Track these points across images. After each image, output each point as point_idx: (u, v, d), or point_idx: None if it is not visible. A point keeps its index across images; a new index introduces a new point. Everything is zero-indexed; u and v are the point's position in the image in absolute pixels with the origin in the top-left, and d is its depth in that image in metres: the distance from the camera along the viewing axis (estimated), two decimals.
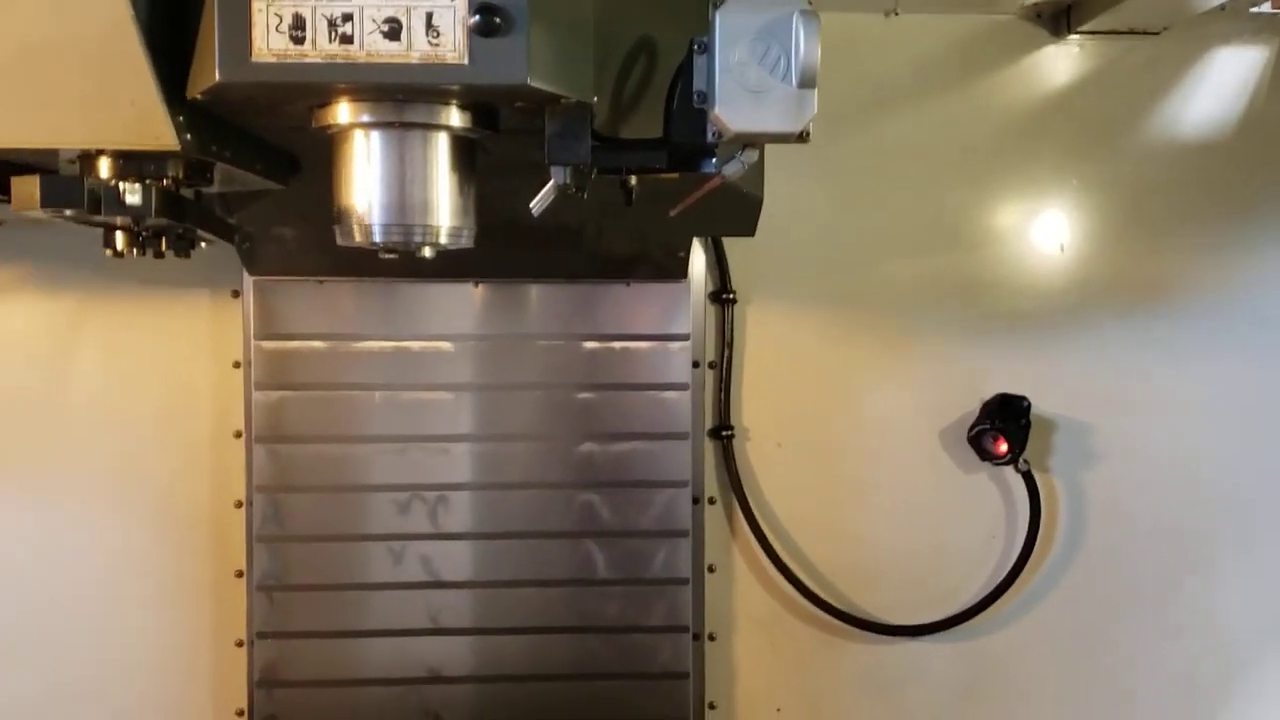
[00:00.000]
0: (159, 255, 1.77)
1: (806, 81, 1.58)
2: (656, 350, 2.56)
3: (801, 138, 1.63)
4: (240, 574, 2.56)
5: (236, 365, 2.55)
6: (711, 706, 2.66)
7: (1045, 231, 2.68)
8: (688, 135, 1.68)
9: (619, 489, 2.57)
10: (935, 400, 2.67)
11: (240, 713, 2.57)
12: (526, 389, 2.56)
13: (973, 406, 2.65)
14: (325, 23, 1.50)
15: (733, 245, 2.63)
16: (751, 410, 2.66)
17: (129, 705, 2.63)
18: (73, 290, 2.56)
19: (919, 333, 2.67)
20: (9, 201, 1.73)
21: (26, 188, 1.60)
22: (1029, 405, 2.62)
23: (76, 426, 2.58)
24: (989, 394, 2.64)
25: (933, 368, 2.67)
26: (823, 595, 2.66)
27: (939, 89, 2.65)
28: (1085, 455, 2.69)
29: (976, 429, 2.60)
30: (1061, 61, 2.66)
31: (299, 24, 1.49)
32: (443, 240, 1.70)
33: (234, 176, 1.89)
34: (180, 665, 2.62)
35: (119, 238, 1.72)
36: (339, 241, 1.70)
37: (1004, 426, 2.59)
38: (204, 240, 1.97)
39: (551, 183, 1.69)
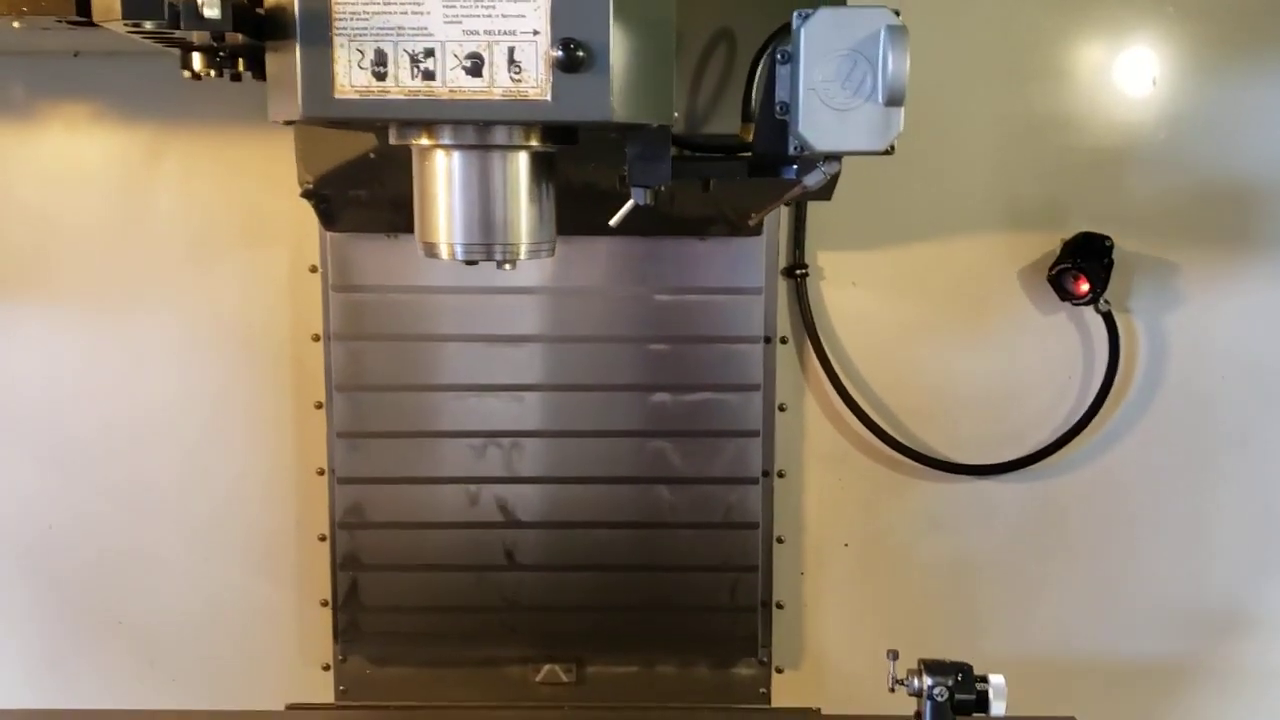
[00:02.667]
0: (236, 77, 1.74)
1: (894, 99, 1.54)
2: (729, 304, 2.52)
3: (888, 152, 1.60)
4: (319, 405, 2.61)
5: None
6: (780, 541, 2.70)
7: (1136, 64, 2.57)
8: (769, 145, 1.65)
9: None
10: (1014, 239, 2.61)
11: (322, 538, 2.65)
12: (598, 341, 2.54)
13: (1053, 246, 2.59)
14: (407, 58, 1.49)
15: None
16: (826, 249, 2.63)
17: (210, 528, 2.72)
18: (149, 123, 2.56)
19: (1002, 169, 2.60)
20: (87, 24, 1.71)
21: (107, 0, 1.58)
22: (1112, 244, 2.56)
23: (155, 259, 2.61)
24: (1071, 233, 2.58)
25: (1012, 206, 2.61)
26: (893, 434, 2.66)
27: None
28: (1168, 296, 2.63)
29: (1057, 268, 2.55)
30: None
31: (381, 60, 1.49)
32: (523, 256, 1.71)
33: None
34: (265, 494, 2.70)
35: (196, 58, 1.70)
36: (421, 253, 1.73)
37: (1086, 265, 2.53)
38: None
39: (631, 202, 1.71)
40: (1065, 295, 2.56)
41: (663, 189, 1.74)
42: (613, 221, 1.77)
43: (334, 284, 2.51)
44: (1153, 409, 2.67)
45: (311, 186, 2.31)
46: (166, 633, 2.76)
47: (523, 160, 1.69)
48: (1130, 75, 2.58)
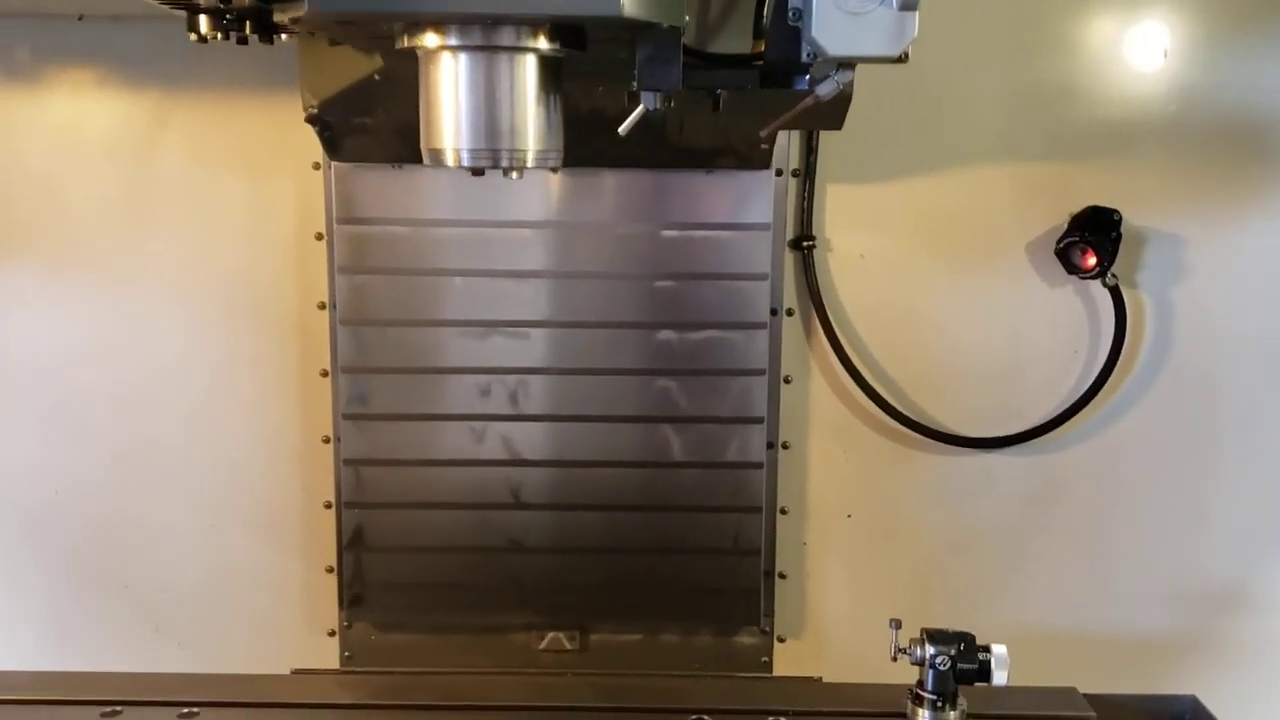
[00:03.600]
0: (242, 40, 1.73)
1: (907, 3, 1.52)
2: (736, 239, 2.50)
3: (901, 59, 1.57)
4: (325, 373, 2.62)
5: (316, 167, 2.54)
6: (783, 511, 2.71)
7: (1147, 37, 2.56)
8: (781, 53, 1.63)
9: (696, 376, 2.55)
10: (1022, 213, 2.60)
11: (328, 505, 2.66)
12: (605, 277, 2.53)
13: (1061, 220, 2.59)
14: None
15: None
16: (834, 221, 2.62)
17: (216, 495, 2.74)
18: (154, 87, 2.55)
19: (1010, 142, 2.59)
20: None
21: None
22: (1120, 219, 2.55)
23: (161, 223, 2.61)
24: (1079, 207, 2.57)
25: (1021, 179, 2.60)
26: (897, 406, 2.66)
27: None
28: (1176, 270, 2.62)
29: (1065, 241, 2.55)
30: None
31: None
32: (530, 163, 1.69)
33: None
34: (270, 459, 2.71)
35: (203, 21, 1.69)
36: (426, 162, 1.70)
37: (1093, 239, 2.52)
38: (287, 30, 1.93)
39: (640, 107, 1.66)
40: (1072, 269, 2.56)
41: (671, 104, 1.70)
42: (621, 128, 1.73)
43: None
44: (1158, 384, 2.67)
45: (316, 111, 2.29)
46: (173, 598, 2.78)
47: (530, 63, 1.65)
48: (1141, 48, 2.56)
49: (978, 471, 2.71)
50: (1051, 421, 2.66)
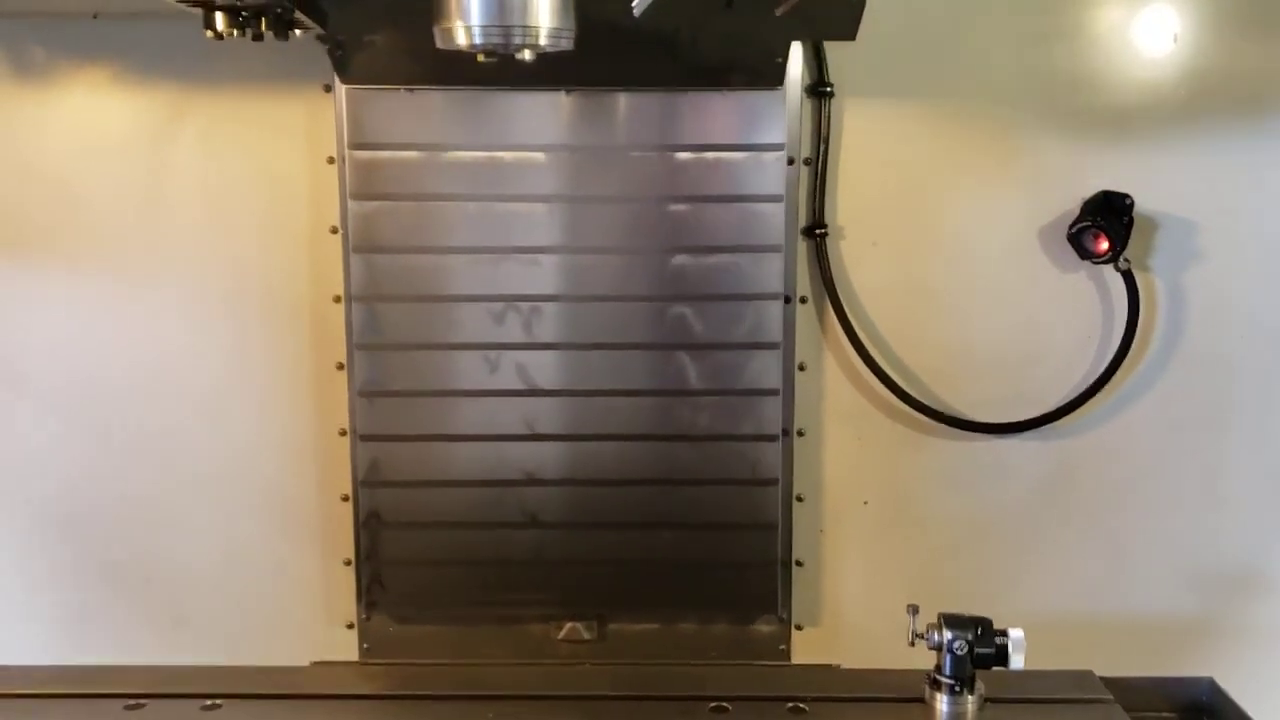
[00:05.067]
0: (258, 36, 1.75)
1: None
2: (751, 160, 2.51)
3: None
4: (341, 367, 2.63)
5: (330, 161, 2.56)
6: (799, 499, 2.72)
7: (1158, 22, 2.56)
8: None
9: (711, 302, 2.55)
10: (1035, 198, 2.61)
11: (345, 498, 2.68)
12: (619, 201, 2.53)
13: (1073, 205, 2.59)
14: None
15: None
16: (846, 209, 2.63)
17: (234, 489, 2.75)
18: (168, 85, 2.57)
19: (1020, 129, 2.59)
20: None
21: None
22: (1132, 203, 2.55)
23: (176, 220, 2.63)
24: (1090, 193, 2.57)
25: (1033, 165, 2.60)
26: (912, 393, 2.67)
27: None
28: (1189, 255, 2.62)
29: (1077, 226, 2.55)
30: None
31: None
32: (543, 41, 1.67)
33: None
34: (287, 453, 2.72)
35: (219, 18, 1.71)
36: (438, 44, 1.68)
37: (1105, 224, 2.52)
38: (301, 25, 1.95)
39: None
40: (1085, 254, 2.56)
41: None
42: (635, 4, 1.70)
43: (350, 140, 2.49)
44: (1171, 368, 2.67)
45: (324, 31, 2.27)
46: (192, 591, 2.79)
47: None
48: (1150, 32, 2.56)
49: (993, 457, 2.71)
50: (1066, 406, 2.66)
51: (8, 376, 2.71)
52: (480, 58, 1.70)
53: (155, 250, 2.64)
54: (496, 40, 1.65)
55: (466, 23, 1.64)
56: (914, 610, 2.04)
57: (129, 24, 2.50)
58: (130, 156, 2.60)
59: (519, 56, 1.69)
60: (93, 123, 2.59)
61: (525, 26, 1.65)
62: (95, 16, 2.49)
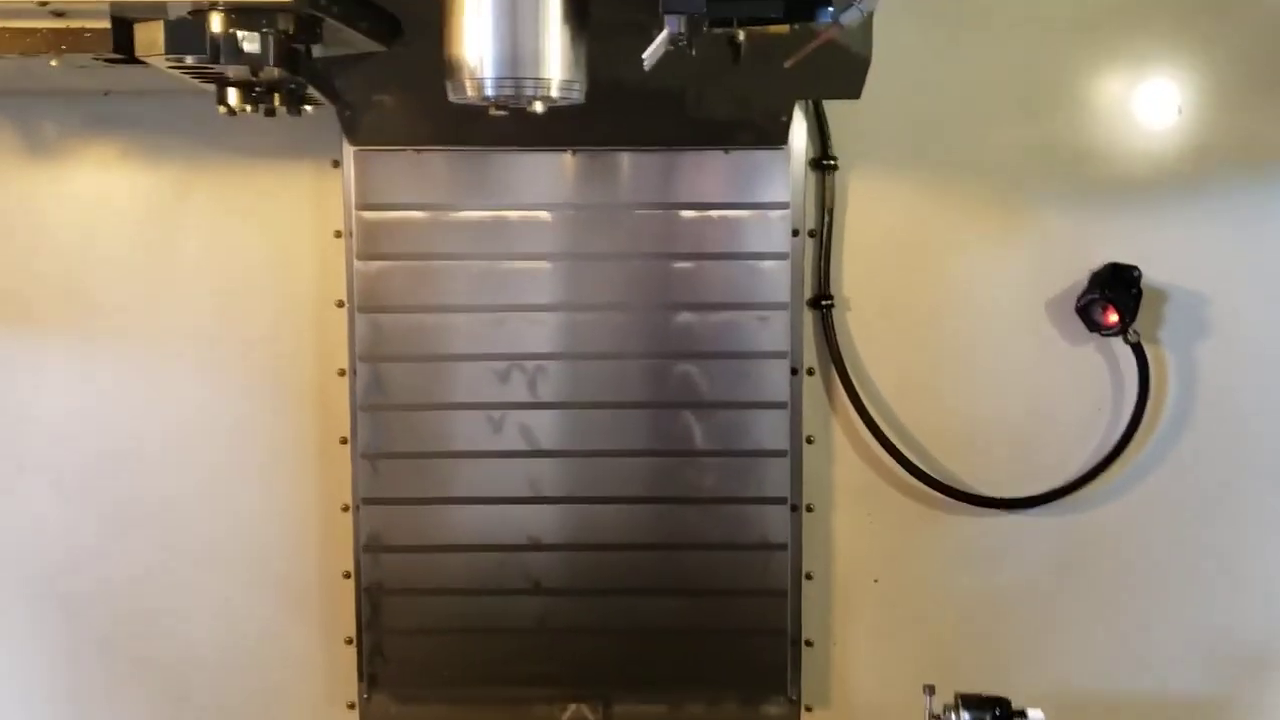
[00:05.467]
0: (270, 112, 1.77)
1: None
2: (755, 219, 2.52)
3: None
4: (344, 440, 2.61)
5: (338, 235, 2.57)
6: (809, 577, 2.67)
7: (1161, 94, 2.58)
8: None
9: (716, 360, 2.55)
10: (1042, 270, 2.61)
11: (347, 575, 2.64)
12: (623, 258, 2.54)
13: (1081, 277, 2.59)
14: None
15: (834, 111, 2.57)
16: (852, 280, 2.63)
17: (235, 566, 2.71)
18: (177, 160, 2.59)
19: (1026, 201, 2.60)
20: (124, 61, 1.73)
21: (150, 34, 1.61)
22: (1140, 275, 2.55)
23: (183, 294, 2.64)
24: (1098, 264, 2.58)
25: (1040, 237, 2.61)
26: (922, 467, 2.64)
27: None
28: (1198, 327, 2.62)
29: (1085, 299, 2.55)
30: None
31: None
32: (554, 94, 1.68)
33: (339, 37, 1.89)
34: (289, 530, 2.69)
35: (232, 94, 1.72)
36: (451, 97, 1.69)
37: (1114, 296, 2.52)
38: (312, 101, 1.97)
39: (665, 32, 1.65)
40: (1094, 326, 2.55)
41: (693, 50, 1.68)
42: (645, 55, 1.70)
43: (357, 202, 2.51)
44: (1183, 441, 2.65)
45: (335, 89, 2.29)
46: (195, 669, 2.74)
47: None
48: (1155, 105, 2.58)
49: (1004, 532, 2.68)
50: (1077, 481, 2.64)
51: (14, 449, 2.70)
52: (492, 110, 1.72)
53: (162, 323, 2.64)
54: (508, 92, 1.67)
55: (479, 76, 1.66)
56: (930, 690, 1.99)
57: (139, 100, 2.53)
58: (139, 230, 2.62)
59: (530, 109, 1.70)
60: (103, 196, 2.61)
61: (537, 79, 1.67)
62: (106, 93, 2.52)
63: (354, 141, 2.47)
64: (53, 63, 1.76)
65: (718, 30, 1.79)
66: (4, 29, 1.69)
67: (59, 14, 1.65)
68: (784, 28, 1.80)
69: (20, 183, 2.59)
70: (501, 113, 1.72)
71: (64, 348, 2.65)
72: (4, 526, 2.71)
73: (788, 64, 1.79)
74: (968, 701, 1.93)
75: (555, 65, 1.67)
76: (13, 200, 2.60)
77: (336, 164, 2.54)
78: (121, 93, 2.52)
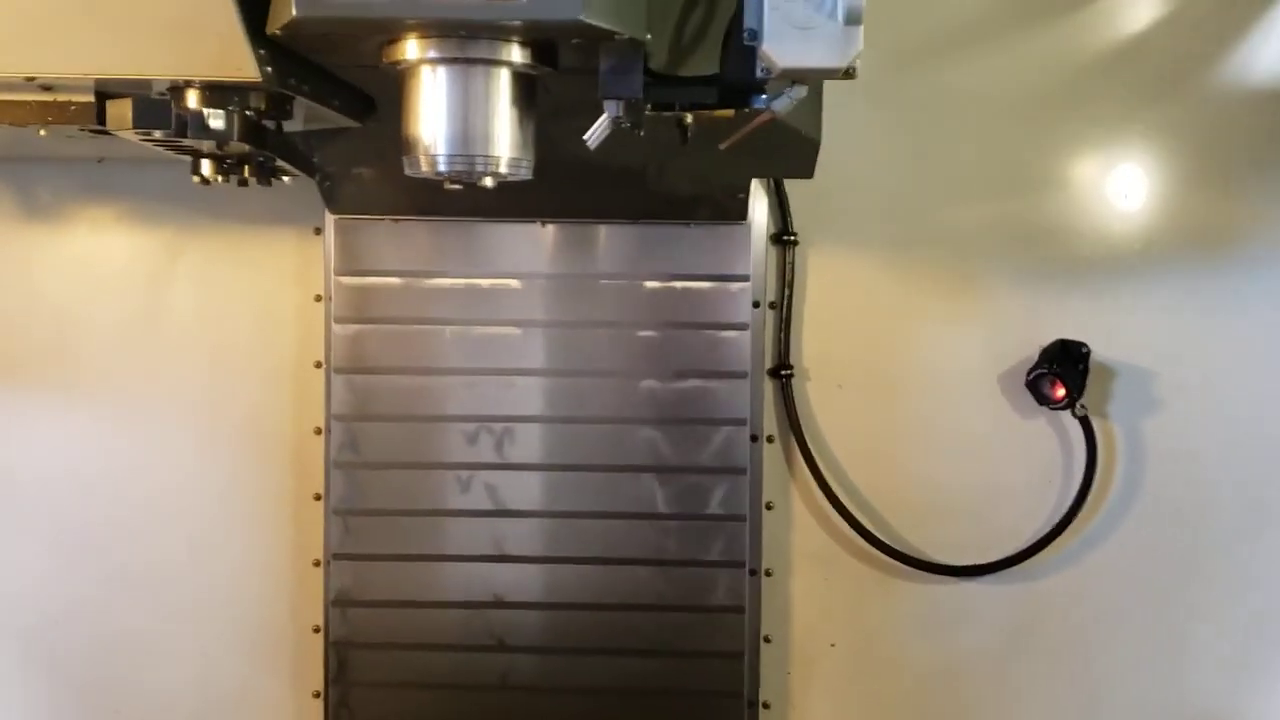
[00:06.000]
0: (243, 183, 1.88)
1: (852, 19, 1.64)
2: (717, 290, 2.63)
3: (848, 74, 1.69)
4: (318, 497, 2.70)
5: (318, 299, 2.68)
6: (767, 640, 2.73)
7: (1111, 178, 2.68)
8: (739, 72, 1.76)
9: (679, 425, 2.64)
10: (995, 346, 2.70)
11: (316, 629, 2.71)
12: (591, 326, 2.64)
13: (1032, 352, 2.67)
14: None
15: (795, 189, 2.68)
16: (811, 351, 2.72)
17: (212, 621, 2.79)
18: (168, 225, 2.71)
19: (980, 278, 2.70)
20: (107, 132, 1.85)
21: (120, 110, 1.73)
22: (1089, 352, 2.63)
23: (170, 354, 2.74)
24: (1049, 340, 2.66)
25: (994, 313, 2.70)
26: (878, 534, 2.71)
27: (1005, 31, 2.67)
28: (1147, 403, 2.69)
29: (1034, 373, 2.63)
30: (1131, 4, 2.65)
31: None
32: (503, 170, 1.79)
33: (314, 113, 2.01)
34: (265, 584, 2.77)
35: (205, 165, 1.84)
36: (407, 171, 1.80)
37: (1062, 371, 2.61)
38: (285, 173, 2.08)
39: (605, 116, 1.77)
40: (1043, 400, 2.64)
41: (640, 131, 1.79)
42: (587, 136, 1.81)
43: (337, 268, 2.62)
44: (1132, 513, 2.71)
45: (315, 161, 2.41)
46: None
47: (504, 77, 1.77)
48: (1105, 189, 2.69)
49: (959, 599, 2.74)
50: (1028, 550, 2.70)
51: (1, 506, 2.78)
52: (447, 184, 1.83)
53: (147, 383, 2.74)
54: (460, 168, 1.79)
55: (433, 153, 1.77)
56: None
57: (132, 167, 2.65)
58: (128, 292, 2.73)
59: (481, 184, 1.81)
60: (94, 259, 2.73)
61: (487, 156, 1.79)
62: (100, 160, 2.64)
63: (334, 210, 2.59)
64: (41, 132, 1.88)
65: (666, 114, 1.91)
66: None
67: (47, 88, 1.77)
68: (729, 111, 1.91)
69: (14, 245, 2.71)
70: (456, 186, 1.83)
71: (52, 403, 2.75)
72: None
73: (723, 146, 1.90)
74: None
75: (504, 144, 1.78)
76: (6, 262, 2.72)
77: (319, 231, 2.66)
78: (116, 159, 2.64)
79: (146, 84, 1.81)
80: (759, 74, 1.72)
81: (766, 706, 2.74)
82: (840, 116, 2.56)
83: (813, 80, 1.75)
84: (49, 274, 2.72)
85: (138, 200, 2.70)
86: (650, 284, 2.64)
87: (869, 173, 2.68)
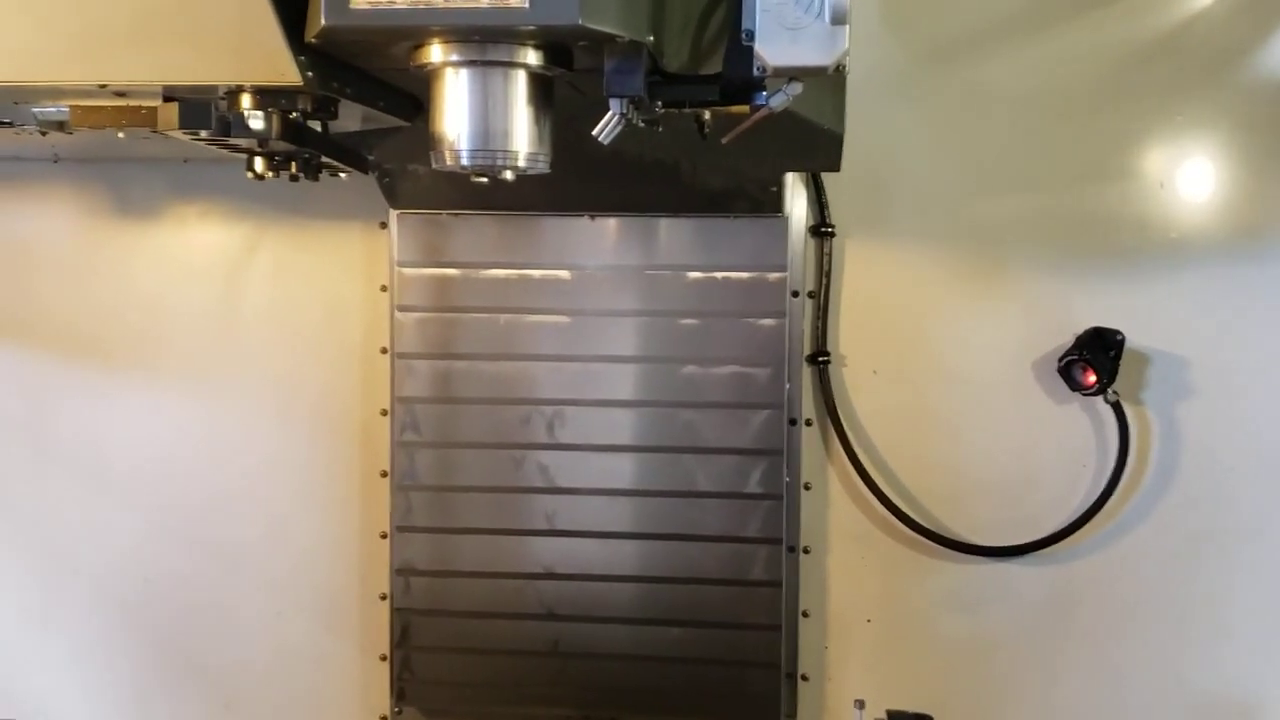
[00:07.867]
0: (293, 178, 2.06)
1: (838, 19, 1.75)
2: (756, 280, 2.73)
3: (838, 71, 1.79)
4: (384, 474, 2.88)
5: (383, 289, 2.86)
6: (805, 615, 2.84)
7: (1146, 168, 2.72)
8: (737, 71, 1.87)
9: (720, 410, 2.76)
10: (1029, 333, 2.75)
11: (383, 597, 2.90)
12: (636, 315, 2.78)
13: (1067, 340, 2.72)
14: None
15: (834, 183, 2.77)
16: (848, 338, 2.81)
17: (288, 589, 3.00)
18: (246, 221, 2.93)
19: (1015, 267, 2.76)
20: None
21: (168, 113, 1.91)
22: (1123, 339, 2.67)
23: (248, 341, 2.96)
24: (1084, 328, 2.71)
25: (1028, 302, 2.75)
26: (913, 515, 2.79)
27: (1041, 25, 2.72)
28: (1180, 390, 2.72)
29: (1066, 359, 2.68)
30: None
31: None
32: (521, 164, 1.94)
33: (368, 113, 2.17)
34: (337, 553, 2.97)
35: (258, 162, 2.02)
36: (434, 165, 1.96)
37: (1093, 357, 2.65)
38: (332, 169, 2.26)
39: (611, 112, 1.90)
40: (1075, 385, 2.69)
41: (659, 128, 1.89)
42: (596, 131, 1.92)
43: (399, 260, 2.81)
44: (1166, 497, 2.74)
45: (374, 159, 2.59)
46: (243, 679, 3.03)
47: (521, 78, 1.90)
48: (1140, 178, 2.72)
49: (992, 579, 2.80)
50: (1061, 532, 2.75)
51: (95, 476, 3.03)
52: (473, 177, 1.99)
53: (227, 367, 2.97)
54: (482, 162, 1.94)
55: (457, 148, 1.93)
56: (860, 705, 2.11)
57: (216, 167, 2.86)
58: (211, 283, 2.96)
59: (501, 176, 1.96)
60: (180, 252, 2.96)
61: (506, 151, 1.93)
62: (185, 161, 2.87)
63: (394, 206, 2.77)
64: (119, 135, 2.08)
65: (685, 110, 2.03)
66: (75, 106, 2.02)
67: (120, 94, 1.97)
68: (744, 108, 2.02)
69: (109, 239, 2.96)
70: (482, 179, 1.99)
71: (143, 388, 2.99)
72: (87, 546, 3.05)
73: (725, 140, 2.01)
74: (894, 717, 2.06)
75: (522, 140, 1.92)
76: (102, 255, 2.96)
77: (383, 225, 2.85)
78: (198, 160, 2.87)
79: (209, 89, 1.99)
80: (756, 72, 1.83)
81: (805, 679, 2.85)
82: (878, 111, 2.68)
83: (805, 78, 1.86)
84: (140, 266, 2.96)
85: (219, 198, 2.92)
86: (692, 274, 2.75)
87: (906, 166, 2.77)
